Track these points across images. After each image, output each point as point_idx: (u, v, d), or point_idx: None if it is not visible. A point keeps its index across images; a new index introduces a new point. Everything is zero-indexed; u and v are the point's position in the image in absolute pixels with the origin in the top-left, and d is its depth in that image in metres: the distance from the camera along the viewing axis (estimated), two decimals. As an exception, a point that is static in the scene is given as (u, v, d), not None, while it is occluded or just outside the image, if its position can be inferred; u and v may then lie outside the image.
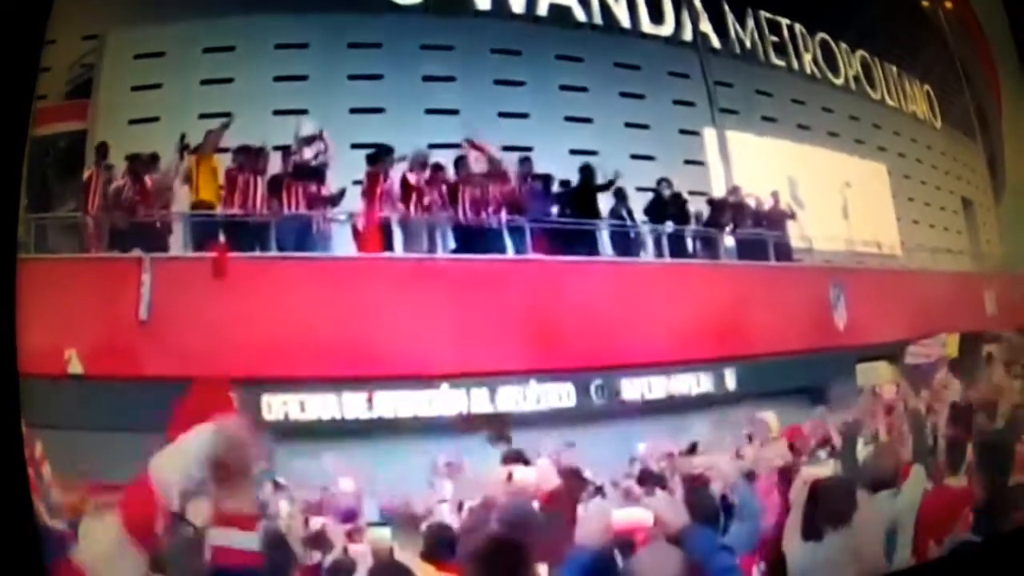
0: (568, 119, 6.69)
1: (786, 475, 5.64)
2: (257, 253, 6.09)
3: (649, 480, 5.53)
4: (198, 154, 6.16)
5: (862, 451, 5.87)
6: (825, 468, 5.78)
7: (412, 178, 6.27)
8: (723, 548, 3.35)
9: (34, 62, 4.57)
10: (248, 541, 1.88)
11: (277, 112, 6.28)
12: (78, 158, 6.26)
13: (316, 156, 6.12)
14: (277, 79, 6.34)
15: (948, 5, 6.99)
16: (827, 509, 4.92)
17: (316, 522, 5.24)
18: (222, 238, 5.99)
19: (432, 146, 6.34)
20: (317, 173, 6.13)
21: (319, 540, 5.07)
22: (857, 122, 7.57)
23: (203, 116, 6.20)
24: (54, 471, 5.12)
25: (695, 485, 5.33)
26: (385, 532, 4.16)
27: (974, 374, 6.54)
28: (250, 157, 6.16)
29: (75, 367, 5.70)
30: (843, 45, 7.60)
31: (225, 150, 6.16)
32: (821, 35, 7.52)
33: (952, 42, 7.23)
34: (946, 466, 5.87)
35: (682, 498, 5.18)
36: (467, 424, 5.81)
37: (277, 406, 5.78)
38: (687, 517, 3.36)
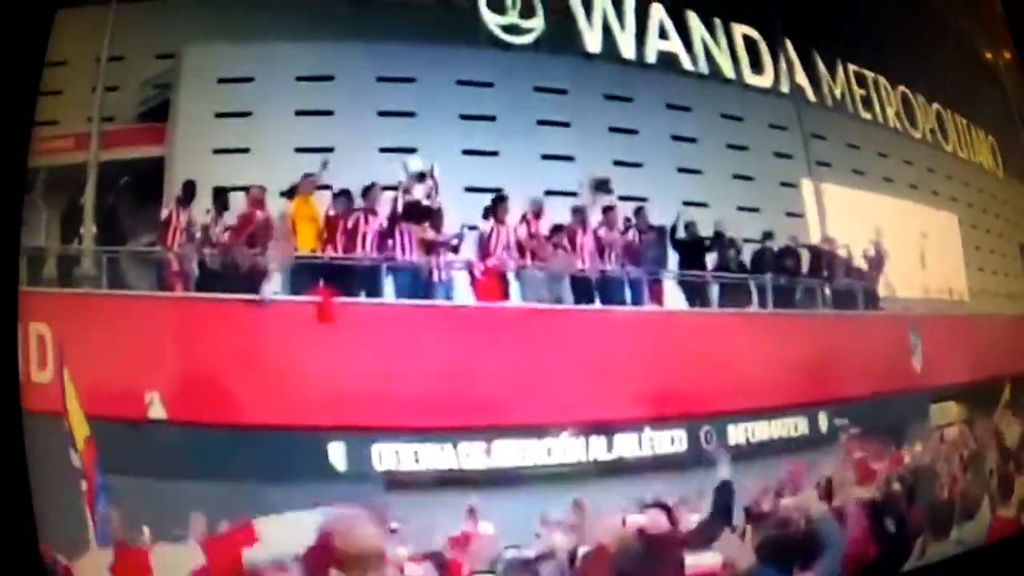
0: (681, 170, 6.71)
1: (868, 508, 6.05)
2: (364, 298, 5.89)
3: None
4: (296, 197, 5.88)
5: (936, 486, 6.31)
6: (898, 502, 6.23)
7: (530, 227, 6.20)
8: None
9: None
10: None
11: (384, 150, 6.01)
12: (155, 187, 5.86)
13: (428, 195, 5.92)
14: (382, 114, 6.07)
15: (1007, 55, 7.29)
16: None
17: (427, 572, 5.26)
18: (324, 282, 5.77)
19: (548, 193, 6.29)
20: (429, 214, 5.93)
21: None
22: (933, 174, 7.86)
23: (299, 150, 5.87)
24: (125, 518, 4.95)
25: (769, 527, 5.58)
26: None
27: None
28: (352, 200, 5.93)
29: (157, 411, 5.46)
30: (920, 98, 7.85)
31: (326, 187, 5.90)
32: (902, 88, 7.74)
33: (1011, 92, 7.54)
34: (998, 497, 6.51)
35: (752, 540, 5.44)
36: (586, 471, 5.85)
37: (389, 456, 5.66)
38: (753, 559, 3.49)
